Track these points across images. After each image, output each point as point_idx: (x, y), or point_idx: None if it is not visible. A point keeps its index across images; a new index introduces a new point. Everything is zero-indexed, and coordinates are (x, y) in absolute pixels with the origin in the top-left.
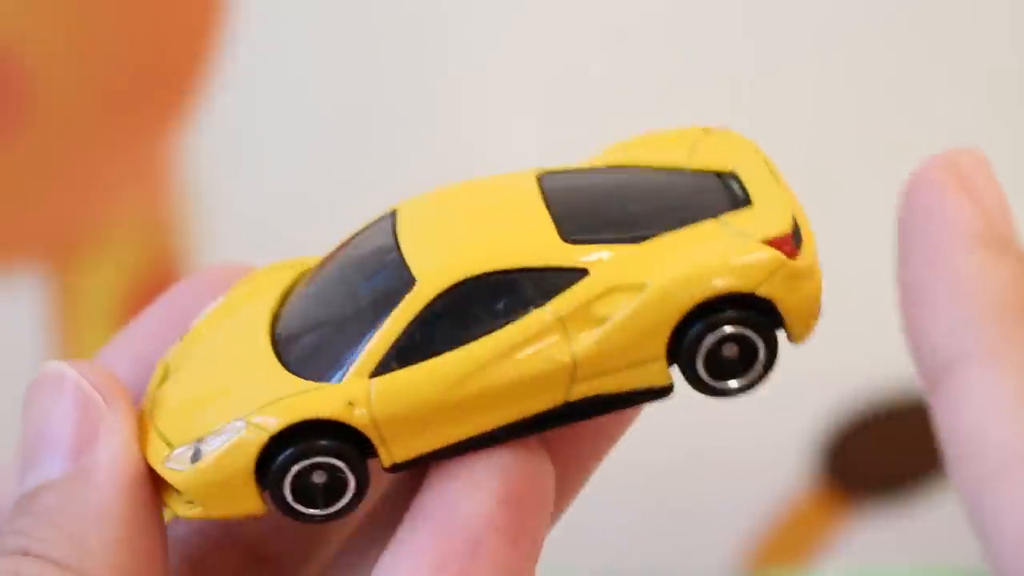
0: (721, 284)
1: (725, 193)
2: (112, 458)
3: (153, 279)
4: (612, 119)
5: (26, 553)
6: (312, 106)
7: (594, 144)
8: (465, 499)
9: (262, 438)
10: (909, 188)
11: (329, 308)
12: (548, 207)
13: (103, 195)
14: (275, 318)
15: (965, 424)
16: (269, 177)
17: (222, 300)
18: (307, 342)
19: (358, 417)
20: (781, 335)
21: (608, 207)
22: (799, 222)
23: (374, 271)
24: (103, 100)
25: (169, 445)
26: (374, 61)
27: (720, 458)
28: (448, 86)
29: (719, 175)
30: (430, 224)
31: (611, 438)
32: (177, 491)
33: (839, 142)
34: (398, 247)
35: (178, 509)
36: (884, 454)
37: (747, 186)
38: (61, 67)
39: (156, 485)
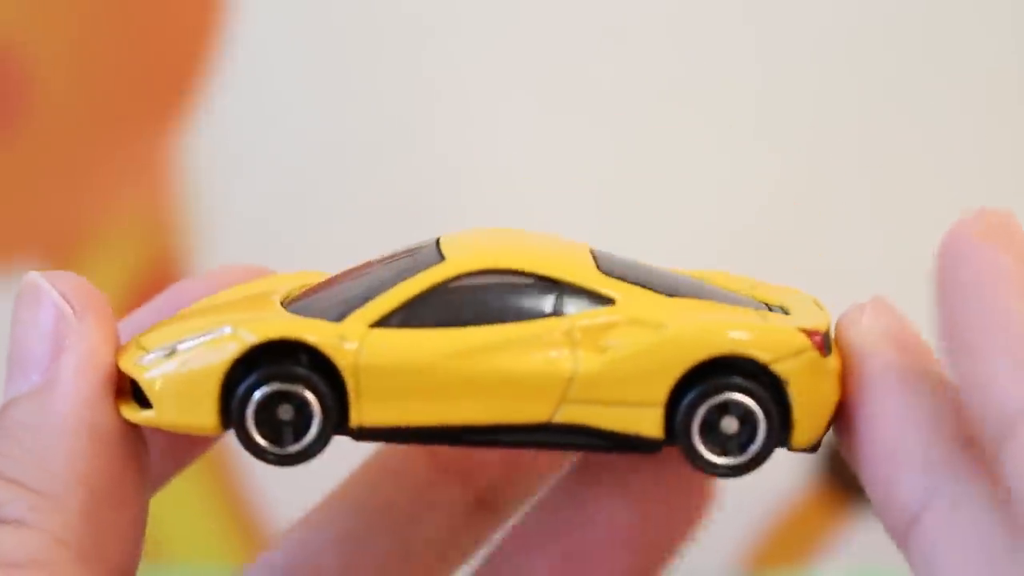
0: (740, 346)
1: (769, 309)
2: (75, 368)
3: (153, 279)
4: (611, 120)
5: None
6: (311, 106)
7: (593, 144)
8: None
9: (240, 347)
10: (950, 245)
11: (347, 285)
12: (592, 255)
13: (103, 195)
14: (290, 296)
15: None
16: (269, 177)
17: (239, 285)
18: (317, 298)
19: (343, 356)
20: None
21: (651, 273)
22: (837, 347)
23: (405, 258)
24: (103, 100)
25: (145, 350)
26: (374, 61)
27: None
28: (448, 86)
29: (768, 305)
30: (474, 238)
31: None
32: (131, 397)
33: (839, 142)
34: (438, 245)
35: (128, 412)
36: None
37: (792, 312)
38: (61, 67)
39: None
